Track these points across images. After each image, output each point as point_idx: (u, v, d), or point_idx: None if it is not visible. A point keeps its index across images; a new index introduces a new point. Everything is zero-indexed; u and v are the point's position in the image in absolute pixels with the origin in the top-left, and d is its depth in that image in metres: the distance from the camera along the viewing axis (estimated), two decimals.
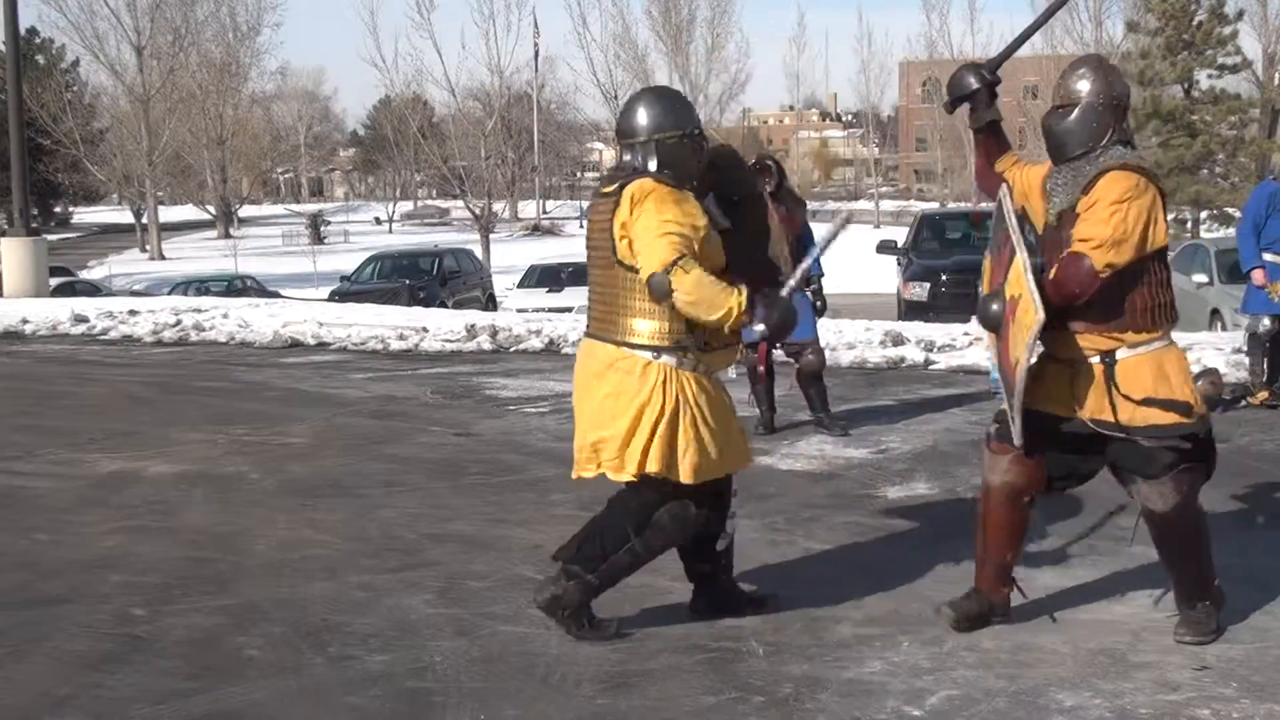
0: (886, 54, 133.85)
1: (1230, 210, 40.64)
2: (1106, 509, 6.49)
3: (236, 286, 33.49)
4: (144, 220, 62.97)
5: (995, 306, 4.60)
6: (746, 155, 9.38)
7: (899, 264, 20.80)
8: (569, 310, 18.28)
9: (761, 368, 8.56)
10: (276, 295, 28.09)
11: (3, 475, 7.55)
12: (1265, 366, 9.62)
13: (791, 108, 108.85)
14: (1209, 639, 4.56)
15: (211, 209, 71.55)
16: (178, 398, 10.55)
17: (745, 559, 5.66)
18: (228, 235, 67.57)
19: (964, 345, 12.18)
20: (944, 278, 18.93)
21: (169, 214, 73.14)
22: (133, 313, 16.14)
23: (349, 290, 26.79)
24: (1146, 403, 4.52)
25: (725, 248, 4.68)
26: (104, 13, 58.24)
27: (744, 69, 65.01)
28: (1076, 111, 4.63)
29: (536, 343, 13.32)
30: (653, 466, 4.50)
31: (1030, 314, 4.32)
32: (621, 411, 4.51)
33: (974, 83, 4.94)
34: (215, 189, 69.26)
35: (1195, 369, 10.11)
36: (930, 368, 11.66)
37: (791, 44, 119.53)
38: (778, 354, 8.74)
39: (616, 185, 4.58)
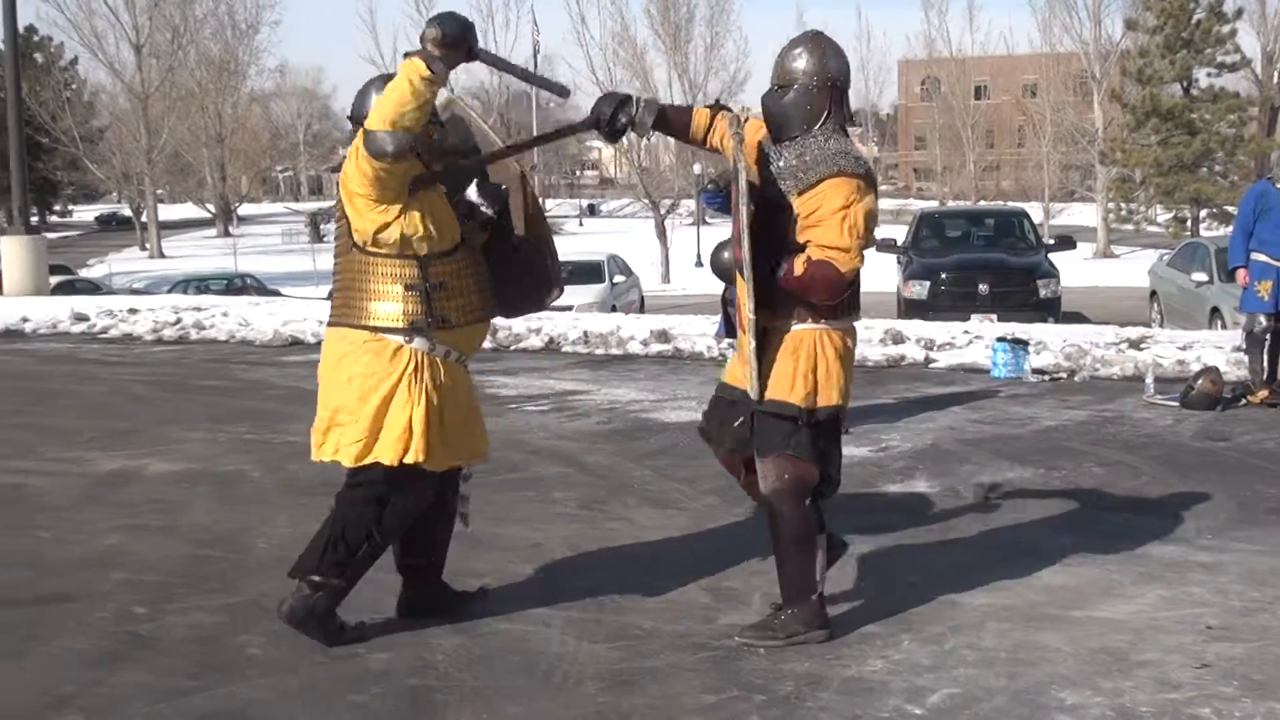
0: (885, 53, 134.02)
1: (1229, 208, 40.72)
2: (1102, 508, 6.51)
3: (236, 285, 33.48)
4: (144, 218, 62.93)
5: (726, 254, 4.56)
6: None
7: (899, 262, 20.76)
8: (569, 309, 18.28)
9: None
10: (276, 293, 28.11)
11: (4, 474, 7.55)
12: (1264, 365, 9.63)
13: None
14: (769, 643, 4.53)
15: (211, 207, 71.53)
16: (178, 396, 10.55)
17: (746, 557, 5.67)
18: (227, 233, 67.56)
19: (964, 344, 12.19)
20: (944, 276, 18.92)
21: (168, 212, 73.17)
22: (133, 311, 16.14)
23: None
24: (780, 371, 4.54)
25: (494, 238, 4.78)
26: (102, 10, 58.32)
27: (743, 67, 64.70)
28: (792, 92, 4.57)
29: (536, 341, 13.32)
30: (390, 452, 4.46)
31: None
32: (367, 394, 4.47)
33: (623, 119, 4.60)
34: (214, 187, 69.26)
35: (1195, 367, 10.16)
36: (930, 366, 11.67)
37: None
38: None
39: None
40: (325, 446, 4.60)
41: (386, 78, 4.77)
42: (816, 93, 4.56)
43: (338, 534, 4.56)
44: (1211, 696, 4.08)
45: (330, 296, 4.72)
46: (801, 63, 4.59)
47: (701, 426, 4.98)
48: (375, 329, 4.49)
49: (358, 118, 4.62)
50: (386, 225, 4.44)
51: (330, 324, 4.66)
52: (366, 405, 4.48)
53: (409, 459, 4.46)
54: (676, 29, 61.52)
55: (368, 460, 4.51)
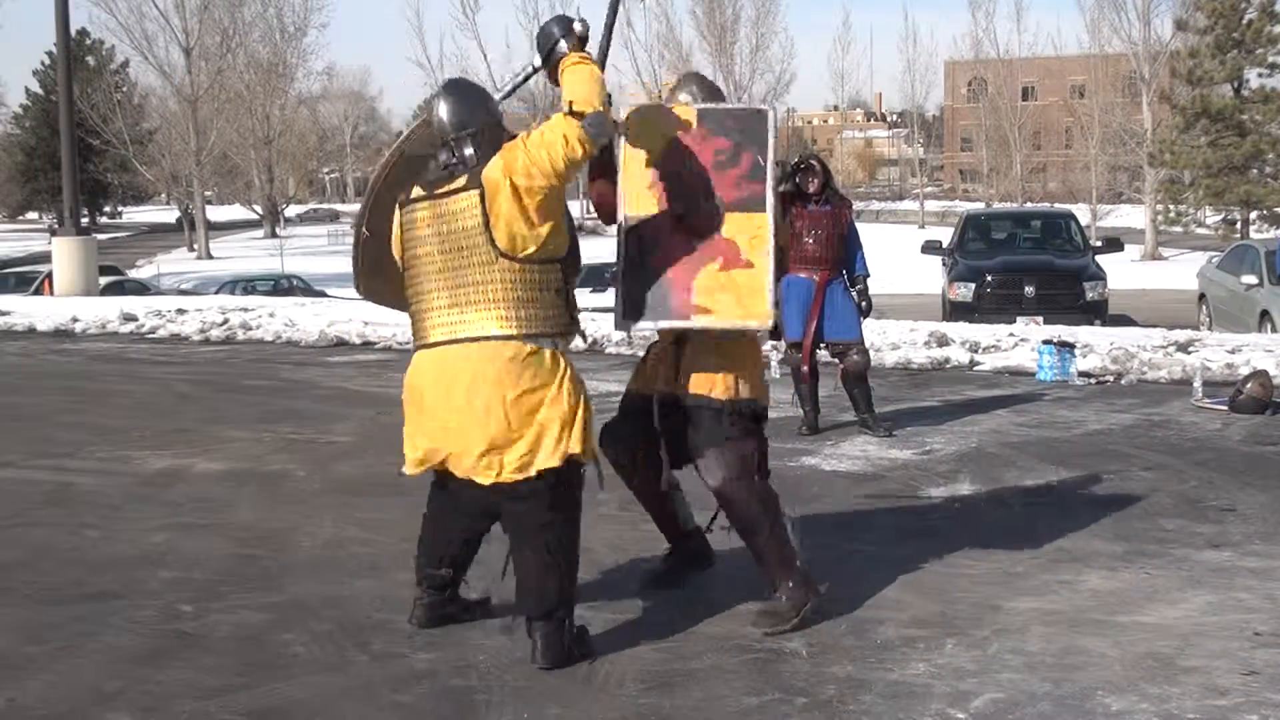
0: (932, 53, 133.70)
1: None
2: (1149, 512, 6.46)
3: (283, 286, 33.69)
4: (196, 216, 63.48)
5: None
6: (791, 155, 9.37)
7: (944, 264, 20.65)
8: (612, 310, 18.23)
9: (805, 368, 8.54)
10: (322, 294, 28.22)
11: (53, 472, 7.64)
12: None
13: (836, 108, 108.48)
14: (788, 627, 4.69)
15: (258, 208, 72.05)
16: (225, 396, 10.64)
17: None
18: (274, 235, 68.01)
19: (1010, 346, 12.11)
20: (989, 278, 18.79)
21: (216, 213, 73.75)
22: (180, 311, 16.29)
23: None
24: (702, 370, 4.80)
25: None
26: (153, 14, 58.75)
27: (788, 69, 64.95)
28: None
29: (579, 342, 13.30)
30: (579, 451, 4.50)
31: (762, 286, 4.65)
32: (540, 406, 4.40)
33: None
34: (262, 189, 69.75)
35: (1244, 371, 10.05)
36: (975, 368, 11.61)
37: (836, 43, 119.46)
38: (822, 354, 8.72)
39: (467, 179, 4.46)
40: (487, 470, 4.45)
41: (469, 84, 4.76)
42: None
43: (554, 567, 4.46)
44: (1260, 703, 4.04)
45: (450, 313, 4.48)
46: (687, 96, 5.00)
47: (613, 447, 5.13)
48: (534, 336, 4.42)
49: (460, 127, 4.51)
50: (556, 225, 4.45)
51: (453, 342, 4.46)
52: (543, 417, 4.41)
53: (588, 458, 4.57)
54: (722, 30, 61.55)
55: (552, 462, 4.46)
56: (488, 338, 4.43)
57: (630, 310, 4.82)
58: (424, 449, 4.62)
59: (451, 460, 4.53)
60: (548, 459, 4.42)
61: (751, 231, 4.59)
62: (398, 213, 4.64)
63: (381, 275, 4.91)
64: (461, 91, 4.65)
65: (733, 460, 4.74)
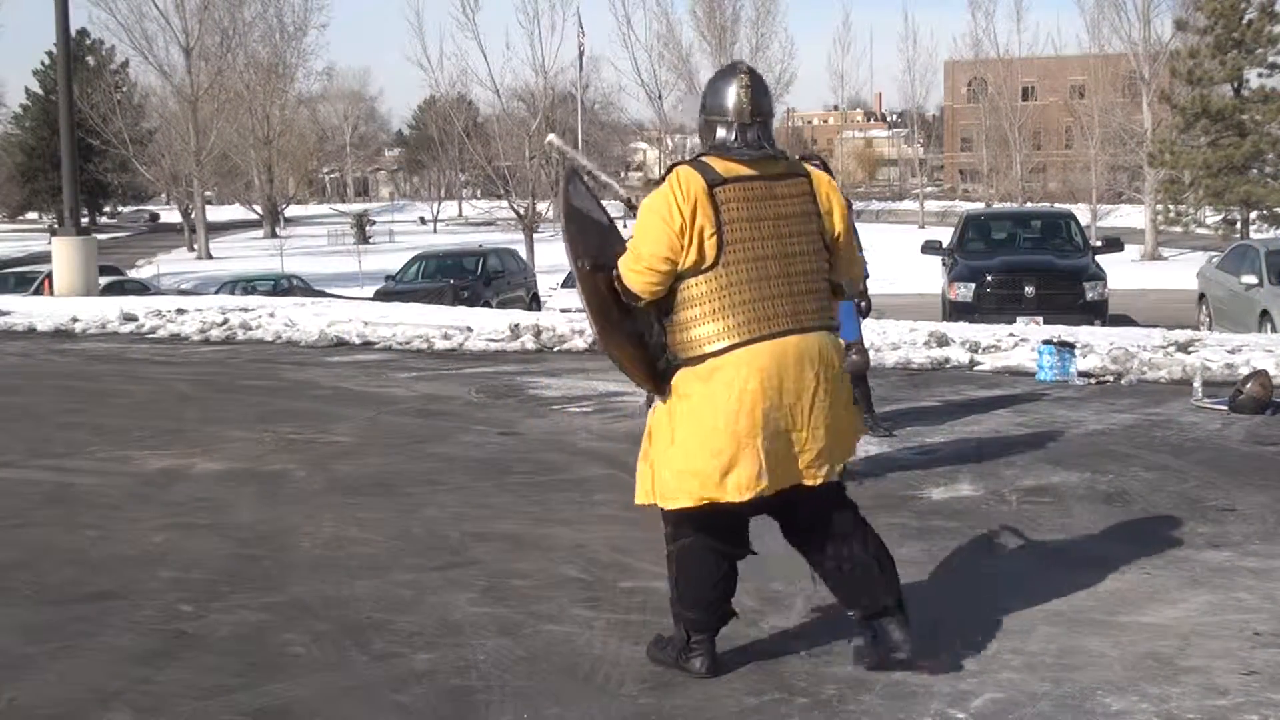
0: (932, 53, 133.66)
1: None
2: (1149, 512, 6.46)
3: (283, 286, 33.74)
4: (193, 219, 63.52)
5: None
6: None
7: (944, 264, 20.65)
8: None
9: None
10: (322, 294, 28.25)
11: (53, 472, 7.64)
12: None
13: (836, 108, 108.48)
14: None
15: (258, 208, 72.08)
16: (225, 396, 10.63)
17: (789, 560, 5.65)
18: (274, 235, 68.03)
19: (1009, 346, 12.12)
20: (989, 278, 18.78)
21: (216, 213, 73.74)
22: (180, 311, 16.29)
23: (394, 290, 26.85)
24: None
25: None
26: (153, 14, 58.92)
27: (788, 69, 64.88)
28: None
29: (580, 342, 13.34)
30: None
31: None
32: (847, 400, 4.45)
33: None
34: (261, 189, 69.79)
35: (1244, 371, 10.05)
36: (975, 368, 11.60)
37: (836, 44, 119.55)
38: None
39: (788, 165, 4.42)
40: (824, 467, 4.32)
41: (757, 74, 4.56)
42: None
43: (888, 554, 4.51)
44: (1260, 704, 4.03)
45: (783, 300, 4.29)
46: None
47: None
48: (835, 329, 4.50)
49: (768, 112, 4.46)
50: None
51: (797, 331, 4.27)
52: (849, 411, 4.47)
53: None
54: (722, 30, 61.58)
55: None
56: (824, 328, 4.38)
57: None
58: (758, 464, 4.16)
59: (781, 470, 4.22)
60: (852, 453, 4.56)
61: None
62: (705, 191, 4.19)
63: (614, 319, 4.39)
64: (763, 82, 4.53)
65: None
